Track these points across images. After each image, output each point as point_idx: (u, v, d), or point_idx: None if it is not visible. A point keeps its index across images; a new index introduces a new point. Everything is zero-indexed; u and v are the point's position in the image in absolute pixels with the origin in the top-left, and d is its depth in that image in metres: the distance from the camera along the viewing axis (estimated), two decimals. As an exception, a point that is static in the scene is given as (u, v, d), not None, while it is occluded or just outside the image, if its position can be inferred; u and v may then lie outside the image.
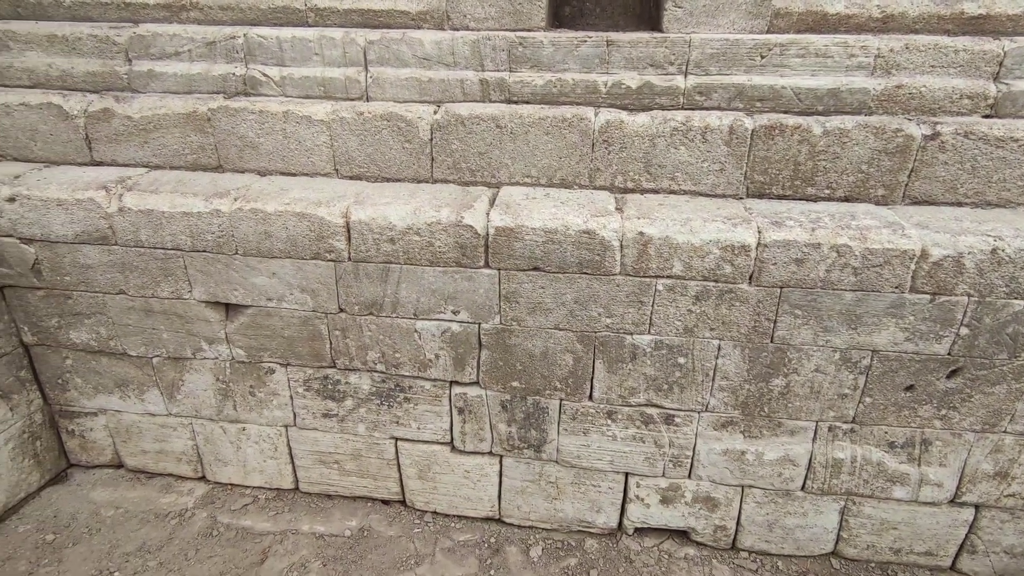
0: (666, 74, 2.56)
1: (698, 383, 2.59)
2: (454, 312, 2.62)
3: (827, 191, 2.53)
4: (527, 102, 2.68)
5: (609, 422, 2.74)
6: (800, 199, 2.56)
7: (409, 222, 2.48)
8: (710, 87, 2.54)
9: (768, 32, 2.53)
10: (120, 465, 3.40)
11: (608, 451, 2.80)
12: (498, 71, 2.67)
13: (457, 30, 2.71)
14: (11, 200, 2.73)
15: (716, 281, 2.38)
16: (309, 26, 2.88)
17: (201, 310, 2.85)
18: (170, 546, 2.93)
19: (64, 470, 3.41)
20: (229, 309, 2.86)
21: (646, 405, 2.69)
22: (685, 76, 2.56)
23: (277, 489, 3.26)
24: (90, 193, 2.70)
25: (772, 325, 2.43)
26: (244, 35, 2.83)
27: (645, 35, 2.56)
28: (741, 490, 2.79)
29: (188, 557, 2.86)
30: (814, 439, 2.63)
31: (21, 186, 2.75)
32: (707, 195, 2.61)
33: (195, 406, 3.11)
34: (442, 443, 2.96)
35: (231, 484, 3.30)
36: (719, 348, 2.51)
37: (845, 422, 2.58)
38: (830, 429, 2.60)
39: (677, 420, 2.68)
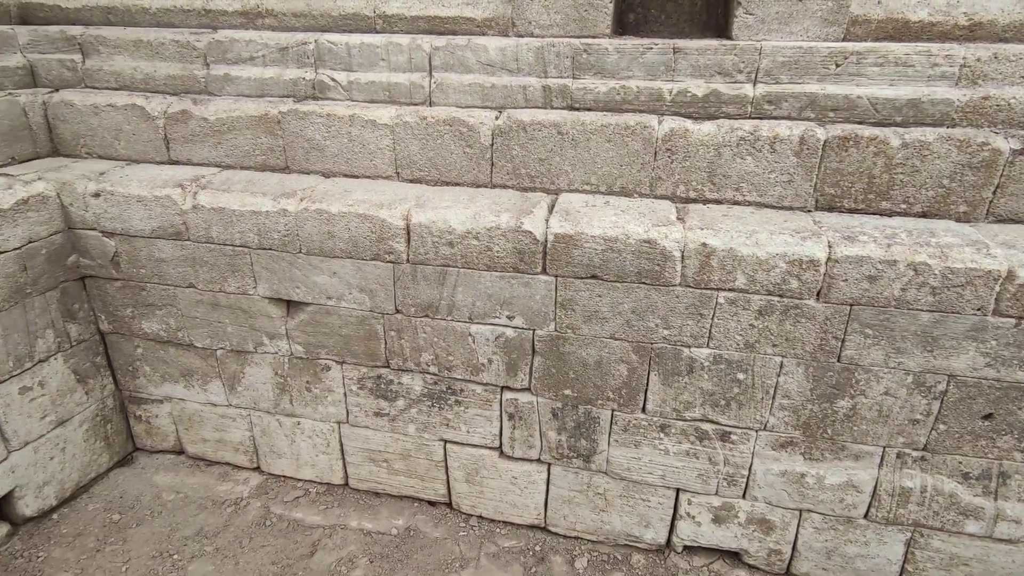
0: (734, 82, 2.50)
1: (757, 400, 2.51)
2: (509, 317, 2.62)
3: (903, 206, 2.42)
4: (589, 109, 2.67)
5: (662, 436, 2.68)
6: (874, 213, 2.45)
7: (468, 226, 2.50)
8: (780, 96, 2.47)
9: (844, 40, 2.44)
10: (181, 451, 3.54)
11: (660, 465, 2.74)
12: (561, 77, 2.67)
13: (521, 36, 2.72)
14: (96, 195, 2.89)
15: (781, 296, 2.30)
16: (377, 32, 2.94)
17: (264, 306, 2.94)
18: (226, 533, 3.02)
19: (130, 453, 3.57)
20: (290, 306, 2.94)
21: (701, 420, 2.62)
22: (754, 84, 2.49)
23: (327, 484, 3.33)
24: (167, 191, 2.83)
25: (840, 344, 2.33)
26: (315, 41, 2.92)
27: (713, 42, 2.50)
28: (799, 514, 2.68)
29: (242, 545, 2.95)
30: (880, 465, 2.51)
31: (106, 183, 2.91)
32: (773, 207, 2.53)
33: (254, 399, 3.21)
34: (491, 448, 2.96)
35: (284, 476, 3.38)
36: (781, 365, 2.42)
37: (915, 449, 2.45)
38: (898, 456, 2.47)
39: (733, 437, 2.60)
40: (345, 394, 3.04)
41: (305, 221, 2.67)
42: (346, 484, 3.30)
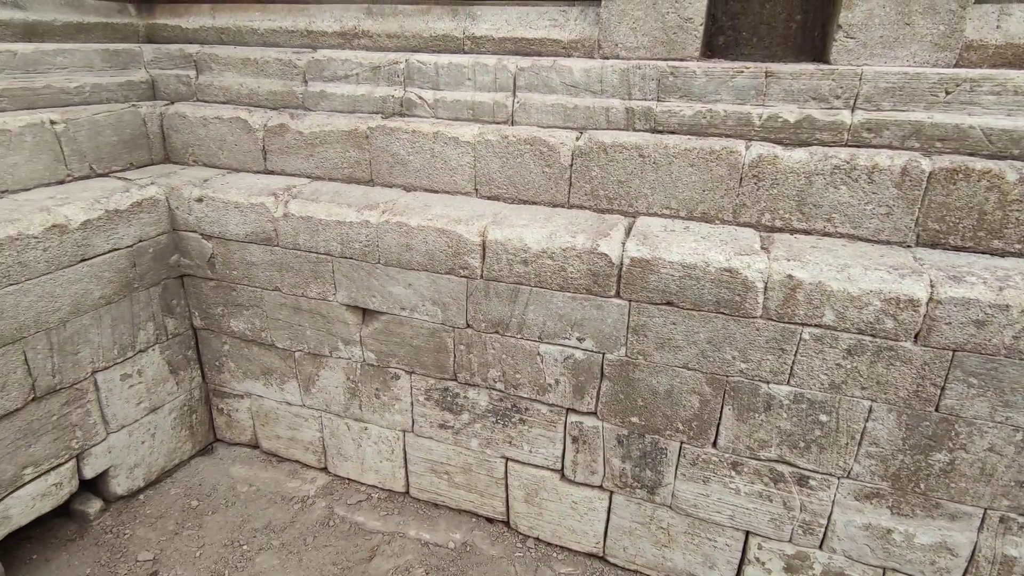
0: (830, 108, 2.39)
1: (841, 445, 2.35)
2: (579, 339, 2.59)
3: (1018, 246, 2.21)
4: (673, 132, 2.62)
5: (733, 474, 2.56)
6: (984, 252, 2.26)
7: (544, 245, 2.50)
8: (881, 124, 2.33)
9: (956, 66, 2.28)
10: (256, 446, 3.70)
11: (729, 504, 2.61)
12: (645, 100, 2.64)
13: (607, 59, 2.71)
14: (199, 200, 3.11)
15: (874, 336, 2.15)
16: (464, 53, 3.02)
17: (341, 312, 3.05)
18: (292, 529, 3.13)
19: (211, 444, 3.78)
20: (366, 314, 3.04)
21: (777, 461, 2.48)
22: (852, 111, 2.37)
23: (389, 491, 3.38)
24: (262, 199, 3.01)
25: (939, 392, 2.15)
26: (406, 60, 3.03)
27: (809, 66, 2.41)
28: (882, 572, 2.48)
29: (306, 542, 3.04)
30: (980, 528, 2.28)
31: (208, 189, 3.12)
32: (868, 240, 2.38)
33: (326, 401, 3.32)
34: (552, 470, 2.92)
35: (349, 479, 3.47)
36: (870, 410, 2.26)
37: (1022, 515, 2.21)
38: (1002, 520, 2.24)
39: (812, 483, 2.44)
40: (412, 404, 3.09)
41: (385, 233, 2.76)
42: (407, 493, 3.35)
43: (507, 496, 3.08)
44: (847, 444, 2.34)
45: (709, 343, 2.38)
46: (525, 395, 2.81)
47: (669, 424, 2.58)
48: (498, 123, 2.91)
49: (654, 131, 2.65)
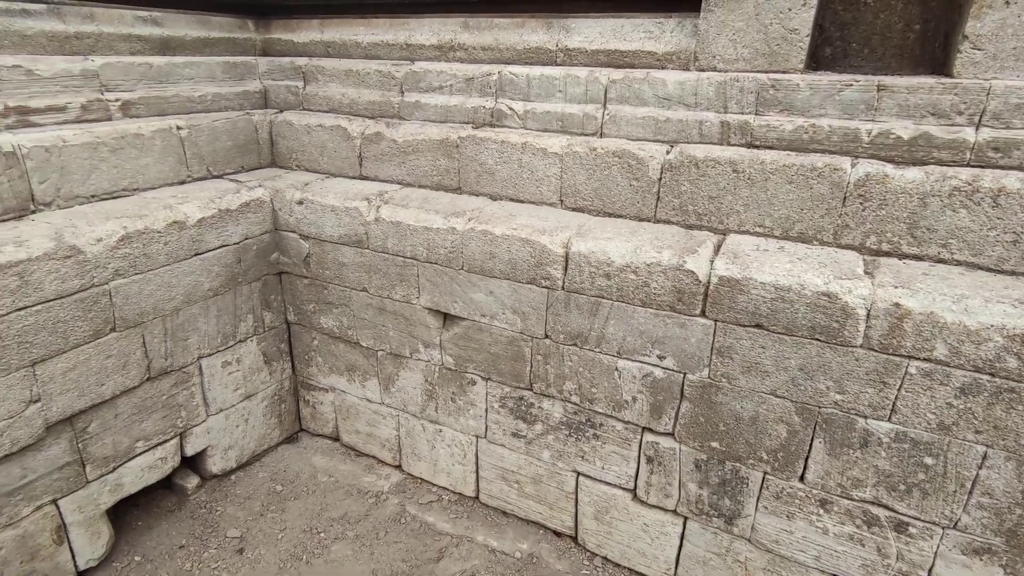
0: (951, 125, 2.20)
1: (948, 492, 2.14)
2: (659, 357, 2.52)
3: None
4: (770, 147, 2.51)
5: (821, 512, 2.40)
6: None
7: (628, 260, 2.46)
8: (1010, 143, 2.13)
9: (1108, 80, 2.04)
10: (337, 439, 3.87)
11: (815, 544, 2.45)
12: (742, 114, 2.55)
13: (703, 71, 2.64)
14: (300, 203, 3.31)
15: (993, 375, 1.95)
16: (556, 65, 3.04)
17: (424, 316, 3.14)
18: (365, 522, 3.24)
19: (295, 433, 3.98)
20: (447, 318, 3.11)
21: (872, 503, 2.30)
22: (976, 128, 2.17)
23: (459, 494, 3.43)
24: (356, 203, 3.15)
25: (1072, 443, 1.91)
26: (499, 72, 3.09)
27: (929, 80, 2.23)
28: (992, 639, 2.23)
29: (378, 536, 3.14)
30: (1119, 604, 2.00)
31: (308, 192, 3.32)
32: (990, 270, 2.17)
33: (404, 401, 3.42)
34: (624, 489, 2.85)
35: (421, 479, 3.55)
36: (985, 456, 2.05)
37: None
38: None
39: (912, 530, 2.25)
40: (486, 410, 3.12)
41: (470, 240, 2.81)
42: (476, 498, 3.38)
43: (576, 511, 3.04)
44: (955, 492, 2.14)
45: (801, 370, 2.25)
46: (600, 410, 2.76)
47: (752, 452, 2.46)
48: (586, 135, 2.90)
49: (750, 146, 2.55)
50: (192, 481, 3.37)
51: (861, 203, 2.32)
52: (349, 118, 3.55)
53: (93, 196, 2.91)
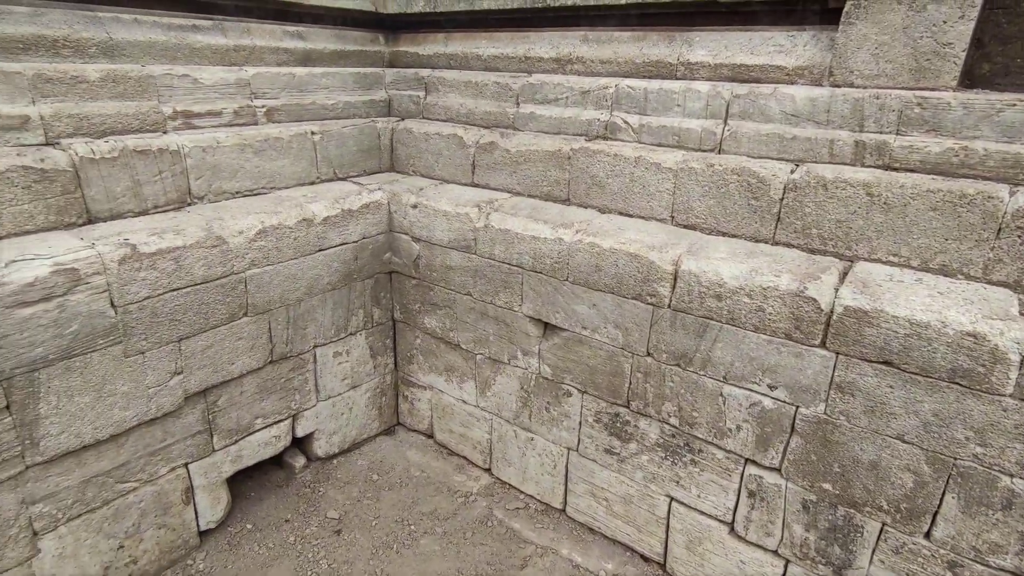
0: None
1: (1115, 575, 1.85)
2: (770, 387, 2.39)
3: None
4: (911, 170, 2.32)
5: (948, 575, 2.16)
6: None
7: (742, 282, 2.35)
8: None
9: None
10: (431, 436, 4.00)
11: (939, 611, 2.20)
12: (881, 133, 2.37)
13: (838, 87, 2.49)
14: (414, 207, 3.47)
15: None
16: (676, 79, 2.99)
17: (524, 323, 3.18)
18: (454, 520, 3.31)
19: (393, 426, 4.16)
20: (547, 328, 3.12)
21: (1013, 573, 2.04)
22: None
23: (546, 504, 3.42)
24: (467, 209, 3.26)
25: None
26: (615, 85, 3.08)
27: (1116, 101, 1.97)
28: None
29: (465, 537, 3.20)
30: None
31: (422, 197, 3.47)
32: None
33: (498, 405, 3.48)
34: (721, 521, 2.72)
35: (509, 484, 3.58)
36: None
37: None
38: None
39: (1064, 612, 1.96)
40: (580, 423, 3.10)
41: (577, 252, 2.82)
42: (563, 510, 3.36)
43: (667, 537, 2.94)
44: (1125, 575, 1.85)
45: (935, 416, 2.05)
46: (700, 436, 2.66)
47: (870, 500, 2.26)
48: (704, 151, 2.82)
49: (887, 168, 2.37)
50: (299, 461, 3.62)
51: (1020, 236, 2.08)
52: (465, 127, 3.68)
53: (237, 193, 3.22)
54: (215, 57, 3.25)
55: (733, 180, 2.65)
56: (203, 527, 3.03)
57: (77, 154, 2.57)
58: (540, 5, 3.38)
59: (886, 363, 2.11)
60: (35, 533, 2.37)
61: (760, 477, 2.54)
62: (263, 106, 3.39)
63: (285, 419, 3.32)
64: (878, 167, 2.40)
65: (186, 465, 2.87)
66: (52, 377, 2.28)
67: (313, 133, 3.52)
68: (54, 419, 2.32)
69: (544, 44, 3.50)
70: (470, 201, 3.34)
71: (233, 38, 3.33)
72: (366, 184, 3.66)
